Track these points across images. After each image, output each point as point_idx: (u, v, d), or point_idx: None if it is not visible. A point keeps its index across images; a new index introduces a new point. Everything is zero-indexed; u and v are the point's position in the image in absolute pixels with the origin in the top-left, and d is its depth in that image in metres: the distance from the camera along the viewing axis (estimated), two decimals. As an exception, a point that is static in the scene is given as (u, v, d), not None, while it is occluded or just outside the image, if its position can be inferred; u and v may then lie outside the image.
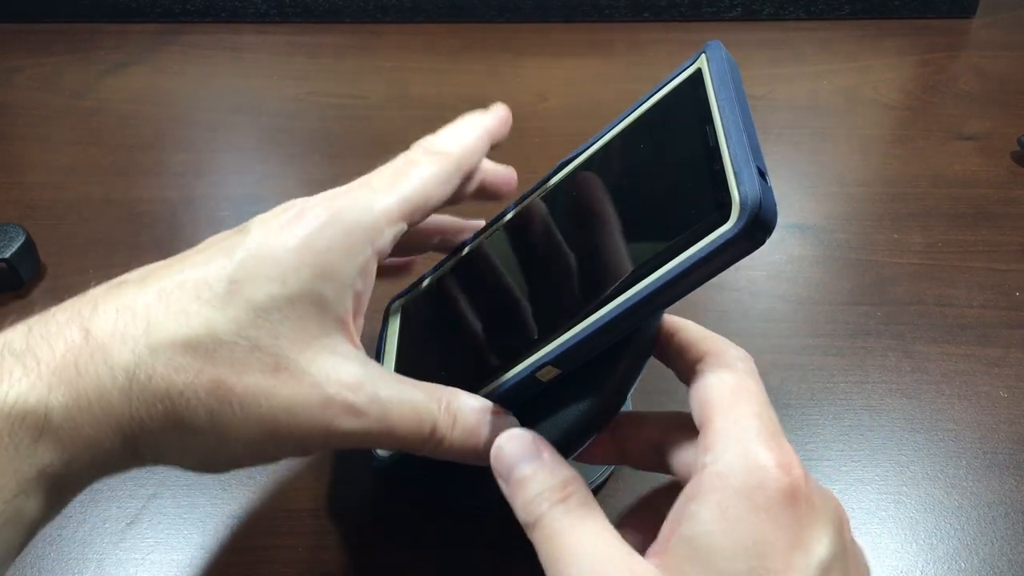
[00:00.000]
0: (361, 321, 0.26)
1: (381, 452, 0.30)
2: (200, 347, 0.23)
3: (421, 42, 0.68)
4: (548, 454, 0.25)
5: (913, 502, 0.35)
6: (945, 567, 0.33)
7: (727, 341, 0.26)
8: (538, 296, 0.29)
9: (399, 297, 0.36)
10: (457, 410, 0.26)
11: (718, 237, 0.24)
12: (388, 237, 0.26)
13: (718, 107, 0.27)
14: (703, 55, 0.29)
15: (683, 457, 0.26)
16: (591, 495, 0.24)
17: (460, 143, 0.29)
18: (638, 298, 0.24)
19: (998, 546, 0.33)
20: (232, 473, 0.35)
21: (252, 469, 0.35)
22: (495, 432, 0.26)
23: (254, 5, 0.69)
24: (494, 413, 0.27)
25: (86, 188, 0.52)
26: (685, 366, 0.26)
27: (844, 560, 0.22)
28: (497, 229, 0.32)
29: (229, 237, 0.25)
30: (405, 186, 0.27)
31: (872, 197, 0.52)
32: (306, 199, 0.26)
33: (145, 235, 0.49)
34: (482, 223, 0.34)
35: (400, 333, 0.34)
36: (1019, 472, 0.36)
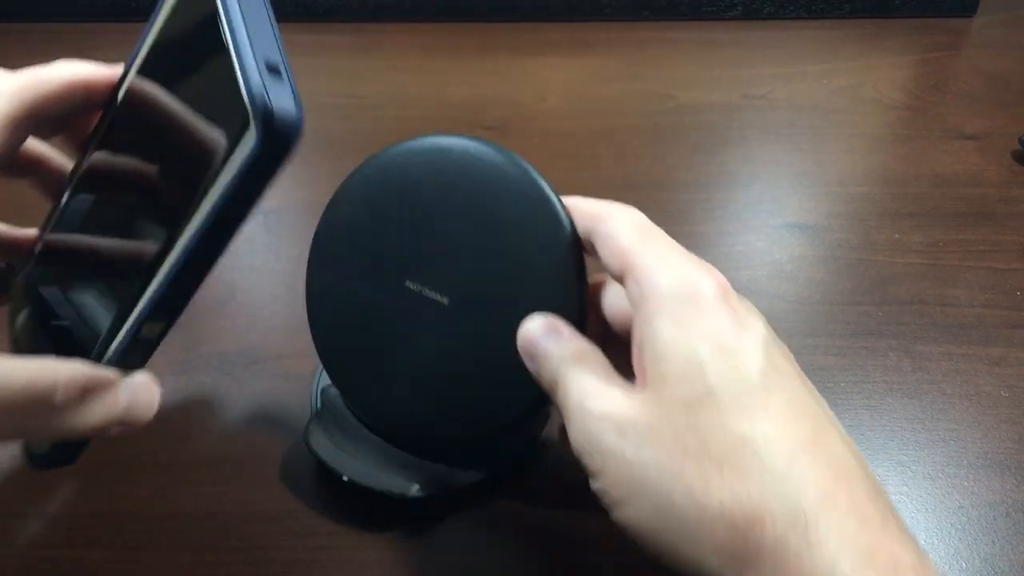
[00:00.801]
0: None
1: (36, 449, 0.29)
2: None
3: (421, 42, 0.68)
4: (567, 330, 0.27)
5: (914, 502, 0.35)
6: (946, 567, 0.33)
7: (606, 202, 0.28)
8: (120, 244, 0.27)
9: (19, 271, 0.33)
10: (82, 375, 0.25)
11: (245, 157, 0.22)
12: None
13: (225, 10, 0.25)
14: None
15: (618, 305, 0.29)
16: (608, 363, 0.27)
17: (70, 69, 0.28)
18: (197, 240, 0.23)
19: (999, 546, 0.33)
20: (217, 471, 0.35)
21: (241, 465, 0.35)
22: (129, 390, 0.26)
23: (254, 5, 0.69)
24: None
25: (86, 188, 0.52)
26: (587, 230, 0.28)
27: (776, 340, 0.26)
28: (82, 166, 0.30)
29: None
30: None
31: (872, 197, 0.52)
32: None
33: None
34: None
35: (17, 316, 0.32)
36: (1020, 472, 0.36)
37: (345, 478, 0.32)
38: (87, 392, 0.25)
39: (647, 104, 0.60)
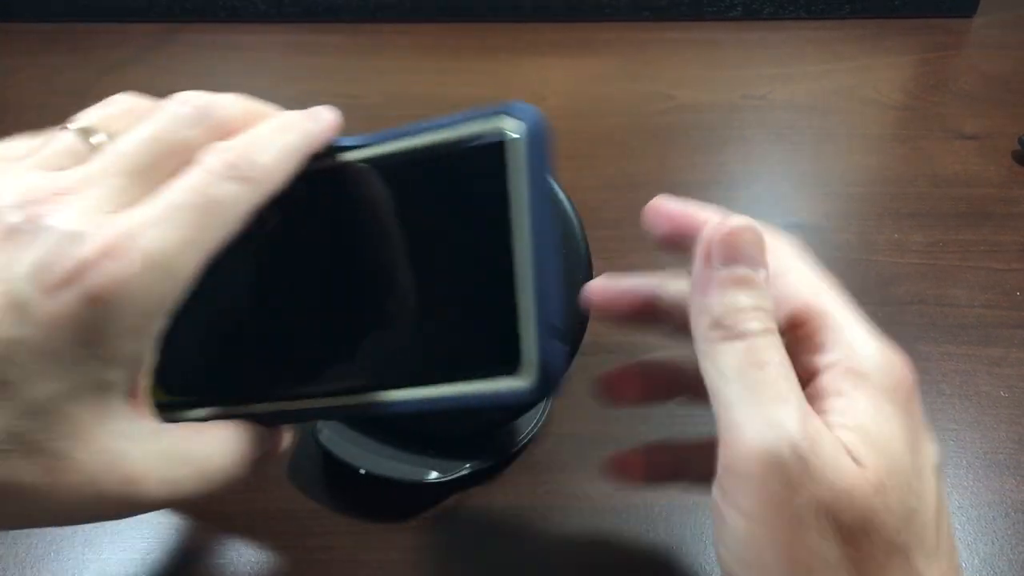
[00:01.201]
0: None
1: None
2: None
3: (421, 42, 0.68)
4: (767, 275, 0.23)
5: (913, 502, 0.35)
6: (946, 567, 0.33)
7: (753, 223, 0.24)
8: (331, 323, 0.27)
9: None
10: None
11: (502, 388, 0.24)
12: (182, 290, 0.21)
13: (519, 224, 0.23)
14: (512, 120, 0.23)
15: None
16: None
17: (276, 167, 0.23)
18: (403, 407, 0.25)
19: (998, 546, 0.33)
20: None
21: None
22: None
23: (254, 5, 0.69)
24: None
25: (86, 188, 0.52)
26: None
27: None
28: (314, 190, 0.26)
29: None
30: (206, 229, 0.21)
31: (872, 197, 0.52)
32: (87, 246, 0.20)
33: None
34: None
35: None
36: (1019, 472, 0.36)
37: (362, 471, 0.32)
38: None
39: (647, 104, 0.60)
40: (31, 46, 0.67)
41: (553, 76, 0.64)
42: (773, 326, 0.22)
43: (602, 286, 0.27)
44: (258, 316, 0.27)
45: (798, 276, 0.24)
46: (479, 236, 0.24)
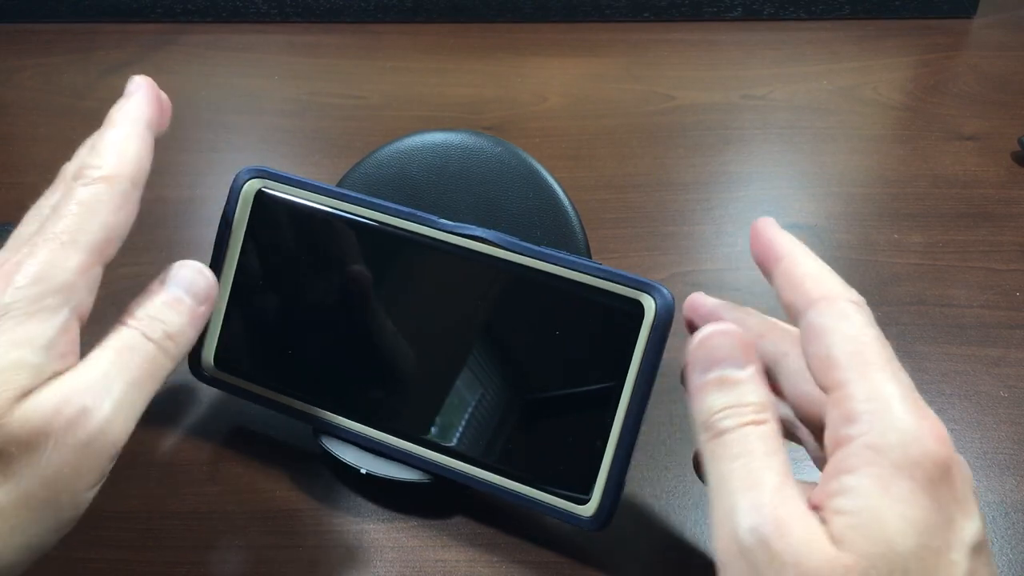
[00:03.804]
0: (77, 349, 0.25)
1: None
2: None
3: (421, 42, 0.68)
4: (756, 368, 0.23)
5: (913, 502, 0.35)
6: (945, 567, 0.33)
7: (837, 279, 0.24)
8: (423, 377, 0.32)
9: (263, 175, 0.33)
10: None
11: (566, 510, 0.29)
12: (84, 291, 0.24)
13: (629, 385, 0.29)
14: (651, 297, 0.28)
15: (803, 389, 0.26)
16: (780, 431, 0.23)
17: (123, 158, 0.26)
18: (476, 483, 0.30)
19: (998, 546, 0.33)
20: (222, 472, 0.35)
21: (247, 464, 0.35)
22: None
23: (255, 5, 0.69)
24: None
25: (86, 188, 0.52)
26: (789, 303, 0.24)
27: (986, 536, 0.22)
28: (429, 252, 0.31)
29: None
30: (83, 233, 0.24)
31: (872, 197, 0.52)
32: None
33: (145, 235, 0.48)
34: None
35: (251, 244, 0.33)
36: (1019, 472, 0.36)
37: (362, 471, 0.32)
38: None
39: (647, 104, 0.60)
40: (32, 46, 0.67)
41: (553, 76, 0.64)
42: (756, 418, 0.23)
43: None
44: (372, 346, 0.32)
45: (840, 337, 0.23)
46: (594, 376, 0.29)
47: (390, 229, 0.31)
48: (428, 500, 0.34)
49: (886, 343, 0.23)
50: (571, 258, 0.29)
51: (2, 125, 0.59)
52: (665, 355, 0.29)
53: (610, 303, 0.28)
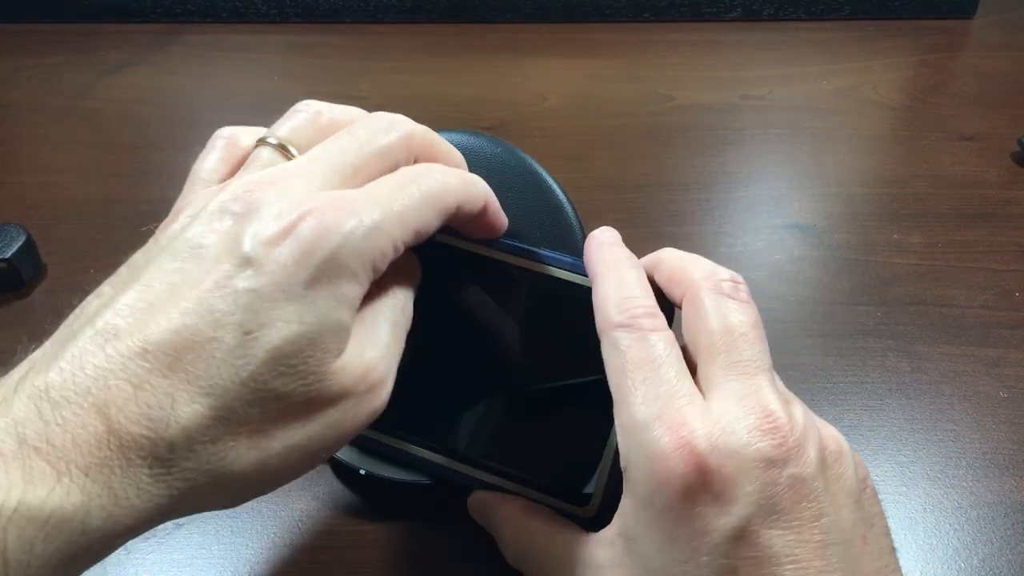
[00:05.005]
0: None
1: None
2: (232, 415, 0.21)
3: (421, 42, 0.68)
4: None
5: (913, 502, 0.35)
6: (944, 567, 0.33)
7: (618, 304, 0.26)
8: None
9: None
10: None
11: (565, 509, 0.29)
12: (387, 261, 0.24)
13: None
14: None
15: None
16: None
17: (473, 191, 0.27)
18: (480, 485, 0.30)
19: (997, 546, 0.33)
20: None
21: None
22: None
23: (254, 5, 0.69)
24: None
25: (86, 188, 0.52)
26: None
27: (776, 501, 0.22)
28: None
29: (220, 267, 0.22)
30: (411, 211, 0.24)
31: (872, 197, 0.52)
32: (307, 202, 0.23)
33: (146, 235, 0.49)
34: None
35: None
36: (1019, 472, 0.36)
37: (362, 471, 0.32)
38: None
39: (647, 104, 0.61)
40: (33, 46, 0.67)
41: (553, 76, 0.64)
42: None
43: None
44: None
45: (608, 369, 0.26)
46: (593, 376, 0.29)
47: None
48: (428, 501, 0.34)
49: (655, 361, 0.25)
50: (571, 259, 0.29)
51: (2, 125, 0.59)
52: None
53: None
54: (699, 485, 0.22)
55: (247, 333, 0.21)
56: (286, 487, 0.35)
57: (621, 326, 0.25)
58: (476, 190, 0.27)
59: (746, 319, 0.25)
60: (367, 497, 0.34)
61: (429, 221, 0.25)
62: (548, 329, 0.30)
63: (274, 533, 0.33)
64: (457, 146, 0.32)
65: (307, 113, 0.27)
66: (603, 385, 0.26)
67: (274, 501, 0.34)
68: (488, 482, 0.30)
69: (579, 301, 0.29)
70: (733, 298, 0.26)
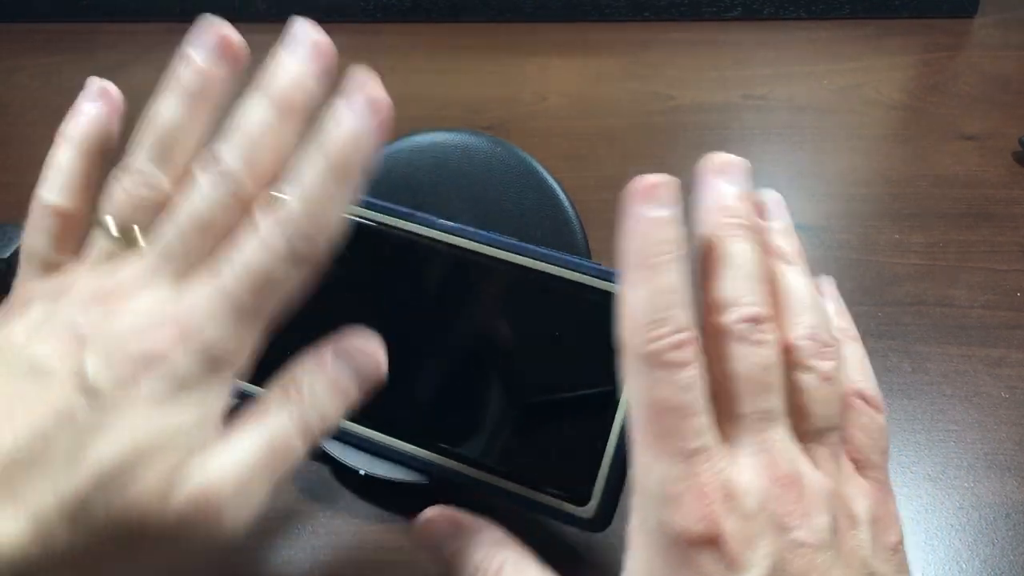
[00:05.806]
0: None
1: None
2: (54, 541, 0.20)
3: (421, 42, 0.68)
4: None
5: (914, 503, 0.35)
6: (945, 568, 0.33)
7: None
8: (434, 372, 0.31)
9: None
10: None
11: (566, 511, 0.29)
12: (243, 359, 0.24)
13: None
14: None
15: None
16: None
17: (331, 238, 0.24)
18: (478, 486, 0.30)
19: (999, 547, 0.33)
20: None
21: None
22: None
23: (254, 5, 0.69)
24: None
25: (86, 188, 0.52)
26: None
27: (785, 567, 0.21)
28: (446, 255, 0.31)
29: (61, 393, 0.21)
30: (261, 296, 0.23)
31: (872, 197, 0.52)
32: (155, 325, 0.22)
33: (145, 235, 0.48)
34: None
35: None
36: (1020, 473, 0.36)
37: (362, 472, 0.32)
38: None
39: (647, 104, 0.60)
40: (32, 46, 0.67)
41: (553, 76, 0.64)
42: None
43: None
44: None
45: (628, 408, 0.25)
46: (594, 376, 0.29)
47: (389, 229, 0.31)
48: (427, 501, 0.34)
49: (681, 410, 0.22)
50: (571, 259, 0.29)
51: (2, 125, 0.59)
52: None
53: (610, 304, 0.28)
54: (708, 547, 0.21)
55: (79, 452, 0.21)
56: (284, 488, 0.35)
57: (648, 357, 0.22)
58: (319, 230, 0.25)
59: (758, 361, 0.23)
60: (367, 497, 0.34)
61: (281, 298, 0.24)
62: (548, 329, 0.30)
63: (273, 533, 0.33)
64: (457, 146, 0.32)
65: (134, 180, 0.27)
66: (604, 384, 0.26)
67: (272, 502, 0.34)
68: (488, 482, 0.30)
69: (580, 301, 0.29)
70: (747, 340, 0.23)
